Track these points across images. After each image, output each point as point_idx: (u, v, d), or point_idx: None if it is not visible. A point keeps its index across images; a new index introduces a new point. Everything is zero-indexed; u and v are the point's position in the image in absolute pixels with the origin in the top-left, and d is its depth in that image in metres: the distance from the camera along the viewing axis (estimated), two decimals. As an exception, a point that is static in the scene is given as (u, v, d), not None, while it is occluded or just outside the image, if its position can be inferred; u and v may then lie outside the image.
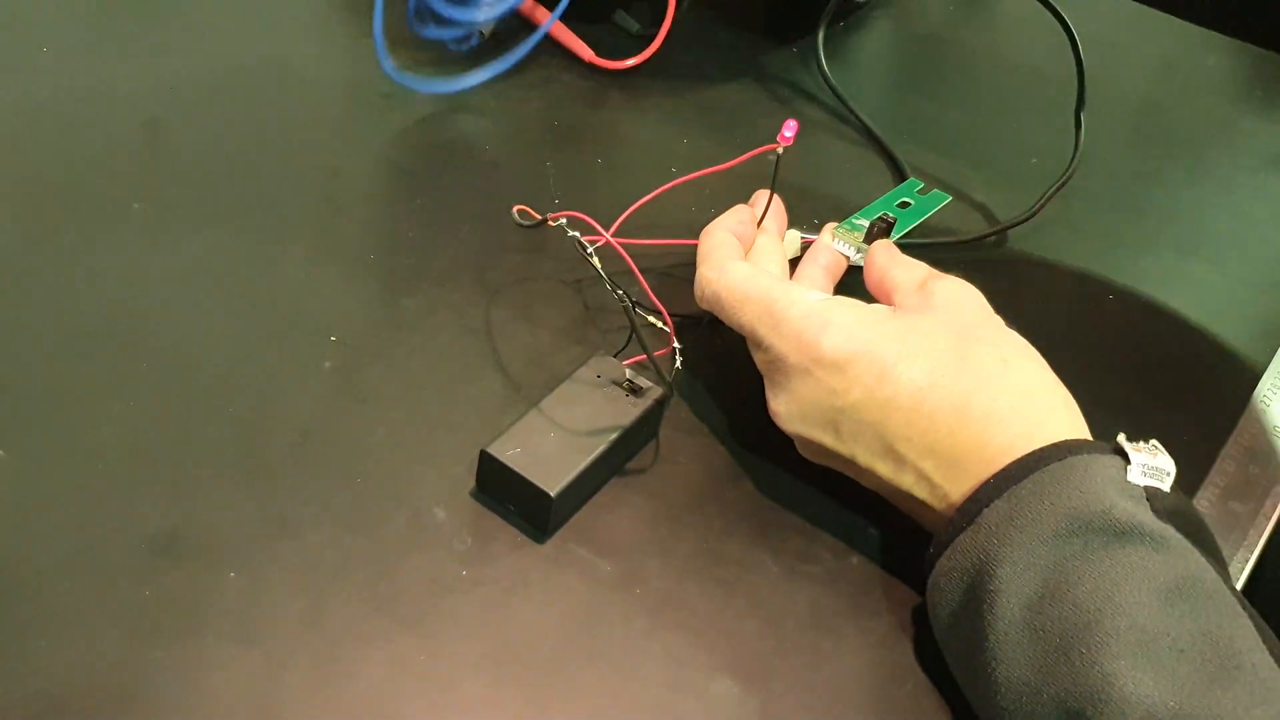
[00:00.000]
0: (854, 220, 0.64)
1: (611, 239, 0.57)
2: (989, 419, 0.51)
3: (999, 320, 0.55)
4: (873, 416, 0.52)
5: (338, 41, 0.77)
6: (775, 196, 0.61)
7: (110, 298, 0.60)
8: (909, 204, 0.70)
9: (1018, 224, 0.72)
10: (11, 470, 0.53)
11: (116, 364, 0.57)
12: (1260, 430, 0.65)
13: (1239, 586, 0.56)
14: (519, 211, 0.55)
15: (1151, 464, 0.50)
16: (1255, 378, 0.67)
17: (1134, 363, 0.67)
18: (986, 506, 0.50)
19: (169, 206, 0.65)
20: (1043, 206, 0.72)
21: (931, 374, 0.52)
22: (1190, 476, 0.61)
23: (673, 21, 0.76)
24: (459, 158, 0.71)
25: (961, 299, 0.55)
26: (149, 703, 0.47)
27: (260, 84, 0.72)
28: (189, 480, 0.54)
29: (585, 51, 0.77)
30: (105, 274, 0.61)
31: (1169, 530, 0.48)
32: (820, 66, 0.79)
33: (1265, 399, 0.66)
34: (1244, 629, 0.47)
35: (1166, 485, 0.50)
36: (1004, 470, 0.50)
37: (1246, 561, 0.60)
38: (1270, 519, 0.61)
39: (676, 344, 0.57)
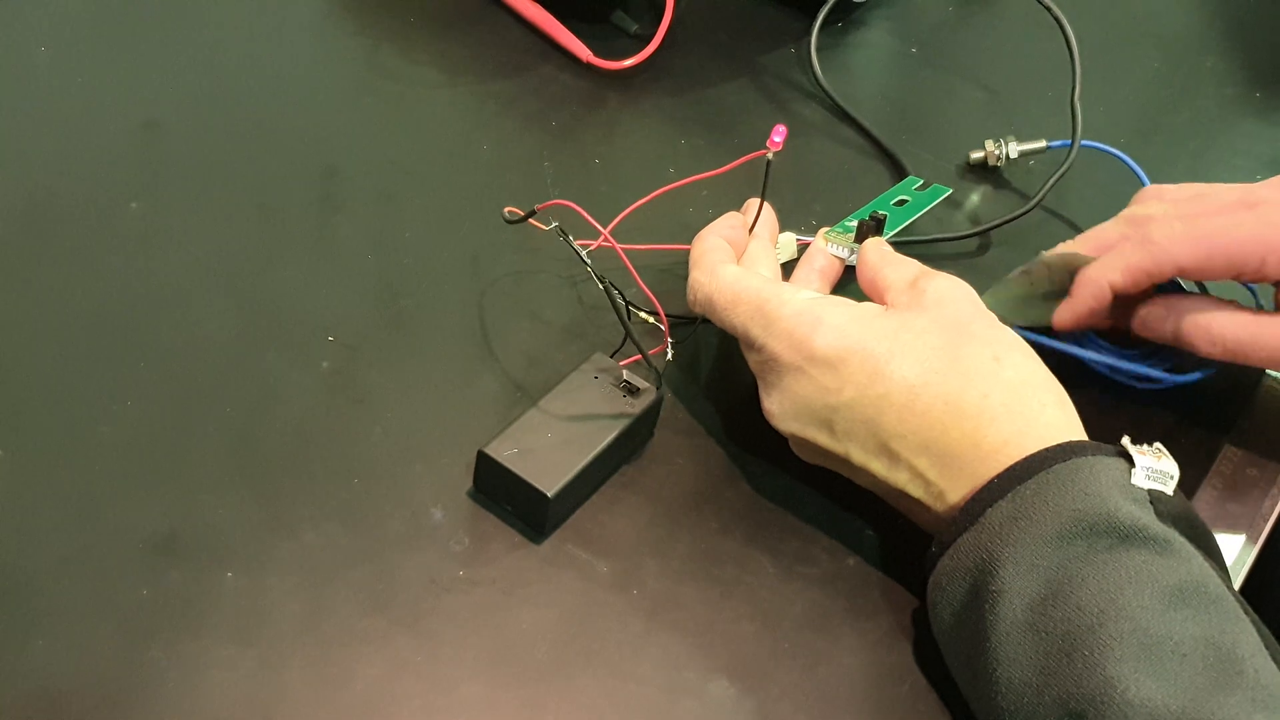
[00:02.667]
0: (845, 223, 0.64)
1: (609, 237, 0.58)
2: (982, 415, 0.51)
3: (992, 317, 0.55)
4: (866, 414, 0.52)
5: (335, 41, 0.77)
6: (766, 204, 0.61)
7: (108, 297, 0.60)
8: (906, 201, 0.70)
9: (1012, 220, 0.72)
10: (9, 470, 0.53)
11: (114, 364, 0.57)
12: (1258, 429, 0.65)
13: (1236, 587, 0.56)
14: (508, 212, 0.55)
15: (1155, 467, 0.50)
16: (1254, 377, 0.67)
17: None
18: (990, 507, 0.50)
19: (166, 206, 0.65)
20: (1037, 204, 0.72)
21: (924, 371, 0.52)
22: (1188, 477, 0.61)
23: (671, 22, 0.76)
24: (457, 158, 0.71)
25: (954, 296, 0.55)
26: (147, 702, 0.47)
27: (257, 84, 0.72)
28: (186, 480, 0.54)
29: (583, 52, 0.77)
30: (103, 274, 0.61)
31: (1173, 534, 0.48)
32: (813, 69, 0.79)
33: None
34: (1246, 634, 0.47)
35: (1170, 489, 0.50)
36: (1008, 470, 0.50)
37: (1244, 563, 0.60)
38: (1268, 520, 0.61)
39: (669, 339, 0.57)
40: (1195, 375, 0.63)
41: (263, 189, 0.67)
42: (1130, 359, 0.63)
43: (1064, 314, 0.63)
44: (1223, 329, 0.60)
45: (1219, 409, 0.65)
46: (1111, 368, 0.63)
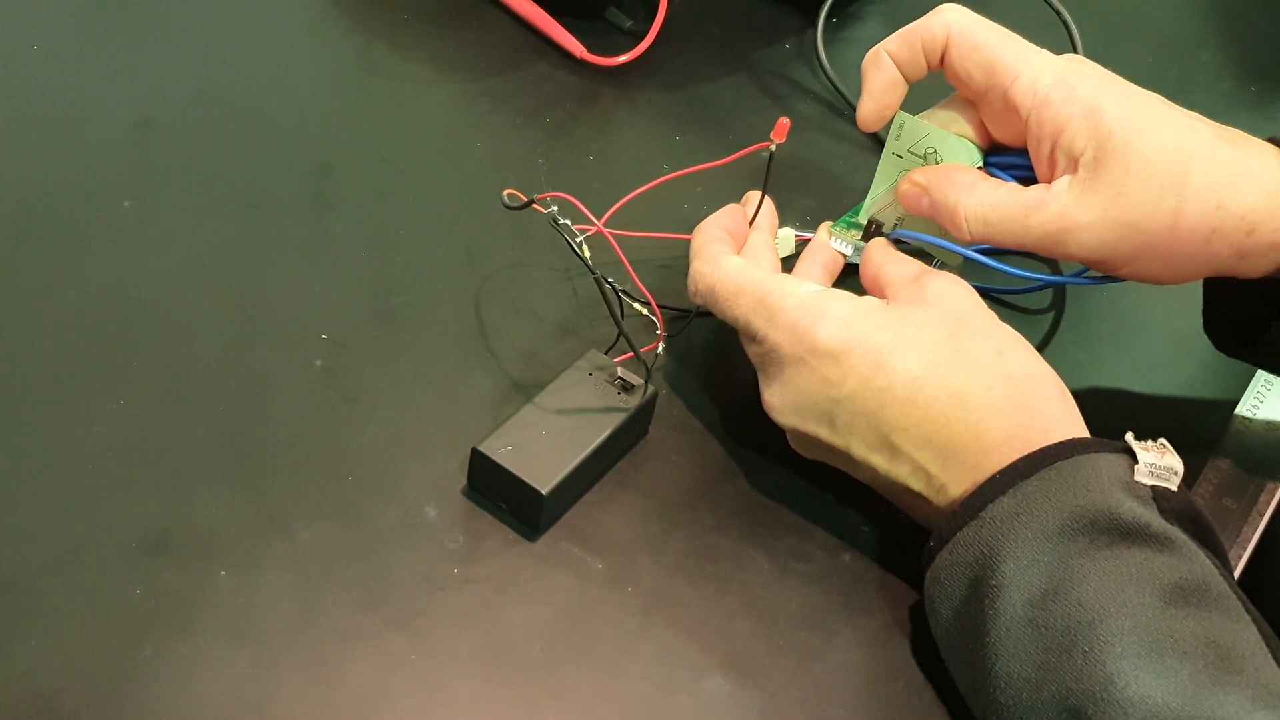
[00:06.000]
0: (849, 218, 0.64)
1: (602, 228, 0.57)
2: (985, 408, 0.51)
3: (992, 314, 0.55)
4: (868, 407, 0.52)
5: (328, 38, 0.76)
6: (766, 197, 0.61)
7: (101, 296, 0.60)
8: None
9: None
10: (1, 468, 0.53)
11: (107, 362, 0.57)
12: (1250, 434, 0.65)
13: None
14: (508, 195, 0.55)
15: (1159, 464, 0.50)
16: (1247, 375, 0.67)
17: (1129, 359, 0.67)
18: (991, 502, 0.50)
19: (160, 205, 0.64)
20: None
21: (927, 364, 0.52)
22: (1185, 473, 0.60)
23: (665, 18, 0.76)
24: (450, 155, 0.71)
25: (955, 293, 0.55)
26: (140, 701, 0.47)
27: (251, 82, 0.72)
28: (180, 479, 0.54)
29: (577, 48, 0.76)
30: (96, 272, 0.61)
31: (1175, 531, 0.48)
32: (820, 62, 0.79)
33: (1255, 402, 0.66)
34: (1247, 632, 0.47)
35: (1174, 485, 0.50)
36: (1010, 466, 0.50)
37: (1240, 559, 0.60)
38: (1264, 516, 0.61)
39: (661, 332, 0.57)
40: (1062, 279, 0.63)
41: (256, 187, 0.66)
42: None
43: (865, 106, 0.60)
44: (969, 210, 0.56)
45: (1215, 406, 0.65)
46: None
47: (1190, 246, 0.54)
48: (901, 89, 0.60)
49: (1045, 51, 0.57)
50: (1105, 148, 0.54)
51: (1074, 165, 0.54)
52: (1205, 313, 0.62)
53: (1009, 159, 0.59)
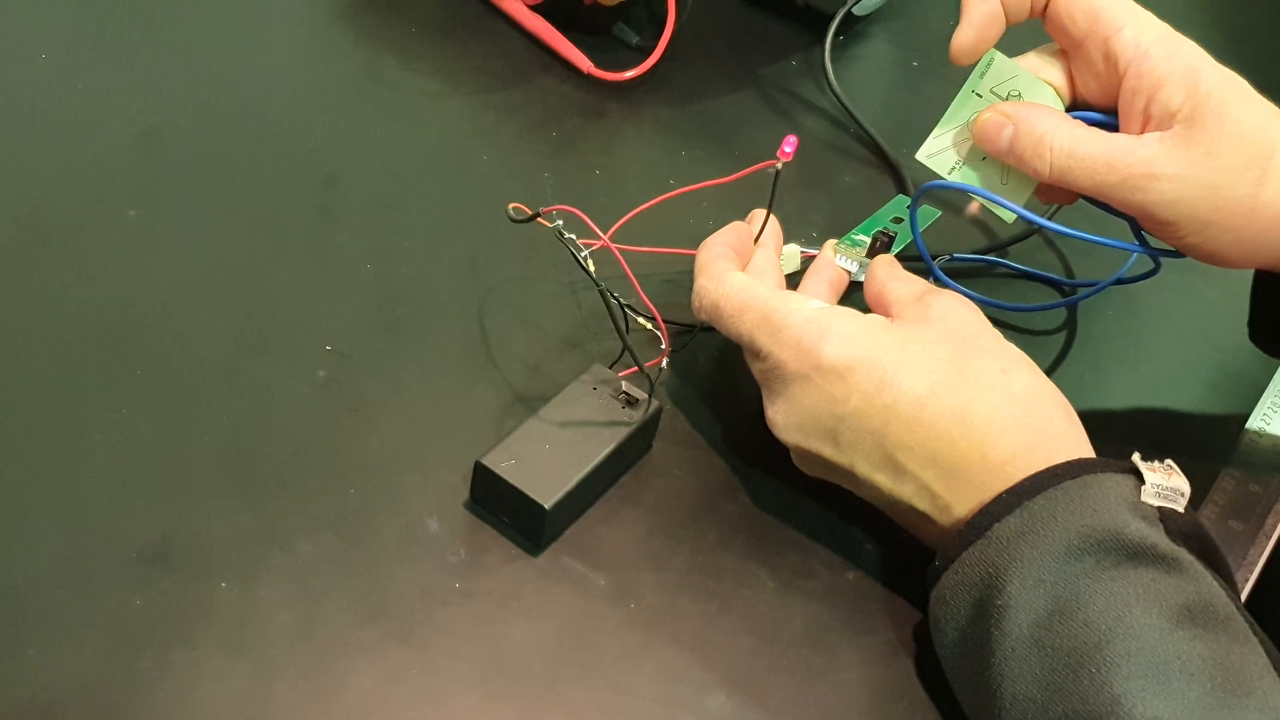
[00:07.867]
0: (854, 236, 0.64)
1: (608, 242, 0.57)
2: (990, 426, 0.51)
3: (997, 332, 0.55)
4: (873, 424, 0.52)
5: (335, 50, 0.76)
6: (771, 214, 0.61)
7: (104, 305, 0.60)
8: (901, 220, 0.70)
9: (1019, 240, 0.71)
10: (1, 477, 0.53)
11: (110, 372, 0.57)
12: (1259, 449, 0.64)
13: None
14: (513, 208, 0.55)
15: (1166, 485, 0.50)
16: (1255, 394, 0.67)
17: (1135, 380, 0.67)
18: (997, 521, 0.49)
19: (165, 214, 0.64)
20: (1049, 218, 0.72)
21: (931, 382, 0.52)
22: (1192, 493, 0.60)
23: (672, 34, 0.76)
24: (456, 167, 0.71)
25: (959, 311, 0.55)
26: (138, 713, 0.47)
27: (256, 92, 0.72)
28: (181, 489, 0.53)
29: (584, 63, 0.76)
30: (100, 281, 0.61)
31: (1182, 553, 0.48)
32: (827, 78, 0.79)
33: (1265, 418, 0.66)
34: (1255, 655, 0.47)
35: (1181, 506, 0.50)
36: (1017, 485, 0.50)
37: (1247, 580, 0.59)
38: (1271, 538, 0.61)
39: (665, 347, 0.57)
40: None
41: (261, 197, 0.66)
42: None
43: (963, 35, 0.58)
44: (1057, 140, 0.56)
45: (1221, 425, 0.65)
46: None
47: (1266, 222, 0.55)
48: (1000, 24, 0.58)
49: (1149, 12, 0.57)
50: (1202, 107, 0.54)
51: (1168, 121, 0.55)
52: (1252, 314, 0.62)
53: (1091, 115, 0.58)
